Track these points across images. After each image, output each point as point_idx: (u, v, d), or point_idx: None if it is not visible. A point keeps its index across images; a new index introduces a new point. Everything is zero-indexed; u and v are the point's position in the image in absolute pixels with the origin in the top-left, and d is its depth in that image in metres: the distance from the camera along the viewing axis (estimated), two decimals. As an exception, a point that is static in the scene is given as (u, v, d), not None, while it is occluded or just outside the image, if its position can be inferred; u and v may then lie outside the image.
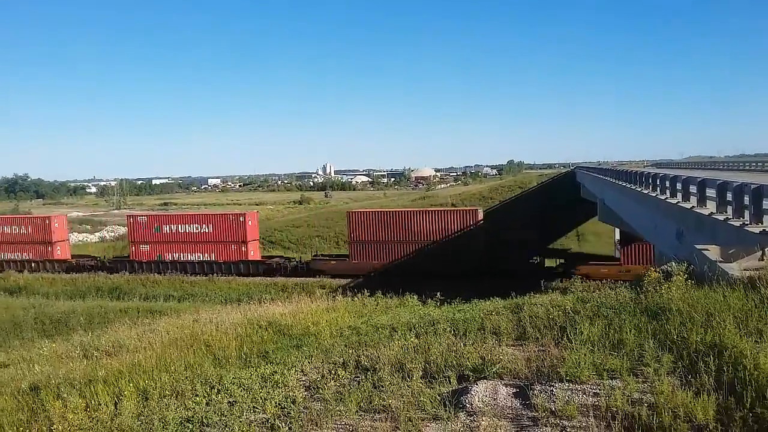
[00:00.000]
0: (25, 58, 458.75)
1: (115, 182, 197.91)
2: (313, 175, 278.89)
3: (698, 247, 12.88)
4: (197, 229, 57.22)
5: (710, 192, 15.70)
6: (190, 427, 7.48)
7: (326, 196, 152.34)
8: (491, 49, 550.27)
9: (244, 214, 57.91)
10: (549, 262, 50.27)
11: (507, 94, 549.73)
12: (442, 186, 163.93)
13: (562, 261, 49.77)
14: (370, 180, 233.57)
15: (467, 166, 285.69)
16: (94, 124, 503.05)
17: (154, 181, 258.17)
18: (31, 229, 61.19)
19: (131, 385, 9.39)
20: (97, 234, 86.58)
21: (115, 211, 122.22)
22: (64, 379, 11.18)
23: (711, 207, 15.38)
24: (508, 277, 38.03)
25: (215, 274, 54.46)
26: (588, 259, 49.36)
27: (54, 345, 18.14)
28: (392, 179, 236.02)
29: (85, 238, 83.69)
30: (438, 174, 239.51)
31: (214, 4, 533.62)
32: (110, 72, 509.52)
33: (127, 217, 63.22)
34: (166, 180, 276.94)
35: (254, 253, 56.77)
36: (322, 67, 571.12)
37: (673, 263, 11.93)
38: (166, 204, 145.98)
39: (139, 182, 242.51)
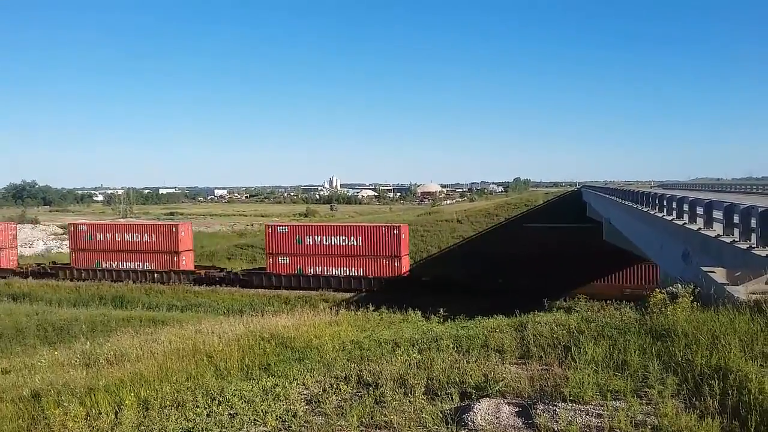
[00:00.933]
0: (32, 64, 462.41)
1: (122, 191, 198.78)
2: (319, 188, 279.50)
3: (704, 269, 12.83)
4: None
5: (717, 214, 15.67)
6: (190, 438, 7.45)
7: (332, 210, 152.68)
8: (499, 65, 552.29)
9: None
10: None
11: (514, 111, 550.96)
12: (448, 202, 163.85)
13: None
14: (375, 194, 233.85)
15: (473, 183, 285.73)
16: (102, 132, 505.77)
17: (161, 191, 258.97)
18: (156, 237, 58.19)
19: (132, 394, 9.35)
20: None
21: (122, 220, 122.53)
22: (65, 387, 11.16)
23: (718, 229, 15.34)
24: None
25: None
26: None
27: (56, 352, 18.14)
28: (398, 194, 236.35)
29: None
30: (444, 190, 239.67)
31: (219, 15, 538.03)
32: (118, 80, 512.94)
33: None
34: (173, 190, 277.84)
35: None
36: (330, 80, 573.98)
37: (679, 285, 11.87)
38: (172, 213, 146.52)
39: (146, 191, 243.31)
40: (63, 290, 55.07)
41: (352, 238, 53.28)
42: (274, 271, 54.34)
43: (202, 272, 56.92)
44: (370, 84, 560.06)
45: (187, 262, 58.29)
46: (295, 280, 53.38)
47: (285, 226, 58.45)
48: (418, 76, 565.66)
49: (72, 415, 8.54)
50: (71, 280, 57.50)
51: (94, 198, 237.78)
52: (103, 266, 58.68)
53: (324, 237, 54.08)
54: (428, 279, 50.03)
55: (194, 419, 8.11)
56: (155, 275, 56.68)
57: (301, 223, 67.06)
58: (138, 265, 57.96)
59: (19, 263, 64.27)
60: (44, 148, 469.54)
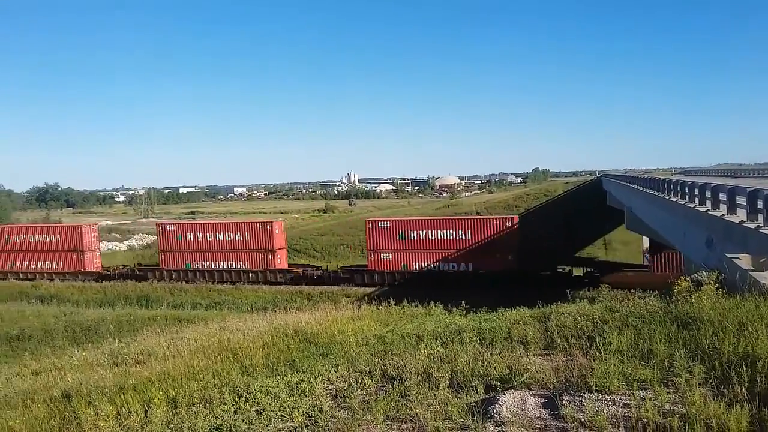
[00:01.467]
0: (52, 68, 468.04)
1: (143, 191, 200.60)
2: (337, 184, 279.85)
3: (729, 255, 12.71)
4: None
5: (740, 200, 15.47)
6: (219, 435, 7.55)
7: (350, 205, 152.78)
8: (518, 56, 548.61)
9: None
10: (576, 271, 49.75)
11: (533, 101, 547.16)
12: (467, 194, 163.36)
13: (590, 270, 49.22)
14: (393, 188, 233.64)
15: (492, 174, 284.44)
16: (122, 133, 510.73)
17: (181, 190, 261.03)
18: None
19: (161, 392, 9.49)
20: (126, 243, 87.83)
21: (143, 220, 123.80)
22: (95, 387, 11.37)
23: (741, 215, 15.15)
24: (537, 287, 37.86)
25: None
26: (616, 267, 48.83)
27: (84, 353, 18.46)
28: (416, 187, 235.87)
29: (114, 247, 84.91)
30: (462, 182, 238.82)
31: (236, 13, 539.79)
32: (138, 82, 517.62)
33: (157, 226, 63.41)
34: (193, 189, 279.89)
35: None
36: (347, 76, 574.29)
37: (703, 272, 11.78)
38: (193, 212, 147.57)
39: (167, 191, 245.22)
40: (89, 291, 55.80)
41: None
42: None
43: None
44: (386, 78, 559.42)
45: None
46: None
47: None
48: (435, 70, 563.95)
49: (103, 414, 8.69)
50: (159, 281, 56.74)
51: (116, 199, 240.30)
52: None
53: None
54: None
55: (222, 416, 8.21)
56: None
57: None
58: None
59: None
60: (66, 151, 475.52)
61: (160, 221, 70.88)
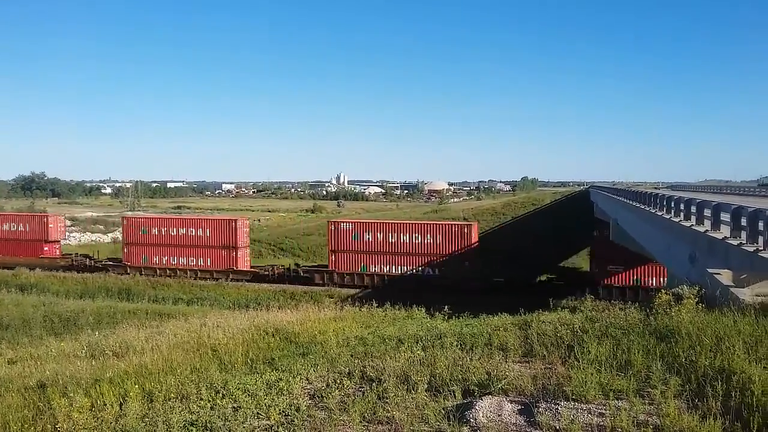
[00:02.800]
0: (40, 57, 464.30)
1: (131, 184, 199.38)
2: (326, 185, 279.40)
3: (710, 270, 12.82)
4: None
5: (724, 216, 15.63)
6: (194, 430, 7.48)
7: (339, 206, 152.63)
8: (508, 64, 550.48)
9: (236, 219, 58.43)
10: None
11: (523, 110, 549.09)
12: (455, 200, 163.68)
13: (554, 277, 50.23)
14: (382, 191, 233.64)
15: (481, 181, 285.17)
16: (111, 125, 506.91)
17: (168, 185, 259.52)
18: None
19: (137, 386, 9.42)
20: (110, 234, 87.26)
21: (129, 213, 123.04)
22: (70, 378, 11.25)
23: (725, 231, 15.30)
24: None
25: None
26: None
27: (62, 344, 18.27)
28: (405, 191, 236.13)
29: (98, 238, 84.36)
30: (451, 188, 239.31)
31: (227, 9, 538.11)
32: (127, 74, 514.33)
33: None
34: (181, 183, 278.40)
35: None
36: (338, 77, 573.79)
37: (685, 286, 11.87)
38: (179, 207, 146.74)
39: (154, 185, 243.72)
40: (70, 282, 55.35)
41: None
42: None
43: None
44: (378, 81, 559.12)
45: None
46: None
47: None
48: (426, 74, 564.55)
49: (77, 406, 8.60)
50: (122, 275, 56.56)
51: (103, 191, 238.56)
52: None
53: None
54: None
55: (198, 412, 8.16)
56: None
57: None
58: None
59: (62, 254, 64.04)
60: (53, 140, 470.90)
61: (128, 215, 70.78)
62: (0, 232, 63.50)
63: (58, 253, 63.17)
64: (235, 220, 57.90)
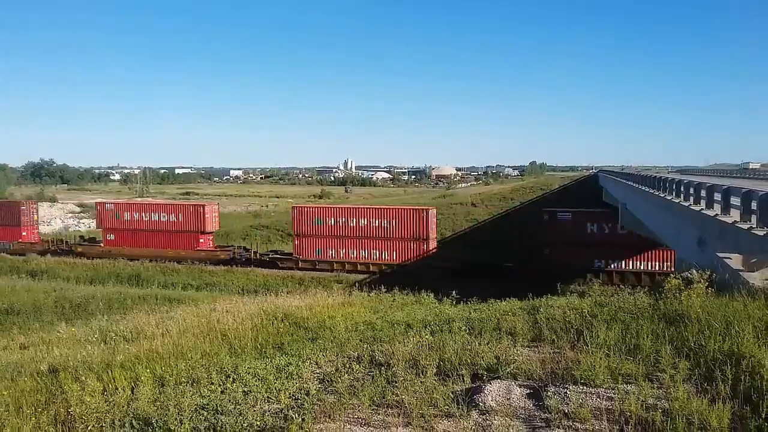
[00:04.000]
0: (51, 47, 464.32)
1: (139, 170, 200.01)
2: (334, 170, 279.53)
3: (720, 255, 12.77)
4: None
5: (734, 200, 15.52)
6: (205, 414, 7.54)
7: (346, 191, 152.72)
8: (517, 50, 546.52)
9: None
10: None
11: (532, 94, 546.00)
12: (463, 185, 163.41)
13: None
14: (390, 177, 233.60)
15: (489, 166, 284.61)
16: (120, 112, 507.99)
17: (176, 171, 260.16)
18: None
19: (148, 370, 9.48)
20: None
21: (138, 199, 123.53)
22: (82, 363, 11.33)
23: (735, 215, 15.20)
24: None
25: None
26: None
27: (73, 329, 18.42)
28: (413, 177, 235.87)
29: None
30: (459, 173, 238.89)
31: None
32: (136, 62, 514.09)
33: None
34: (189, 170, 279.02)
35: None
36: (347, 64, 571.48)
37: (694, 270, 11.83)
38: (188, 193, 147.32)
39: (162, 171, 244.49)
40: (80, 268, 55.71)
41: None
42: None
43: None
44: (386, 67, 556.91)
45: (209, 243, 58.75)
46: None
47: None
48: (434, 60, 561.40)
49: (89, 390, 8.67)
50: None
51: (111, 177, 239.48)
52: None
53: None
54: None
55: (209, 396, 8.21)
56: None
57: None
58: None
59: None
60: (62, 127, 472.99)
61: (102, 200, 70.97)
62: (151, 222, 59.44)
63: (212, 245, 59.34)
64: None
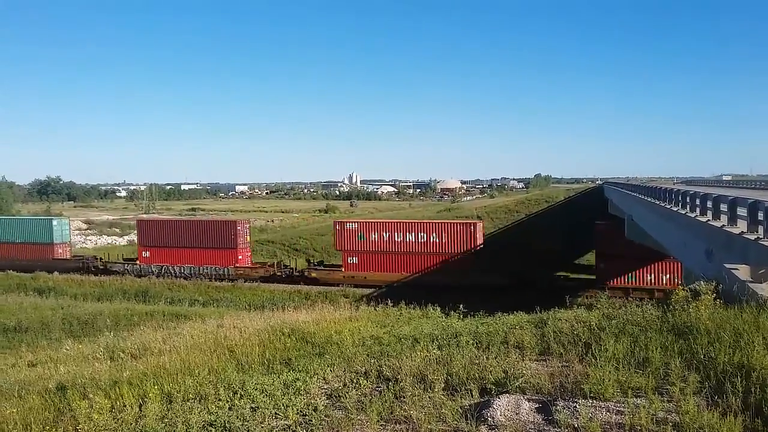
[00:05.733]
0: (56, 63, 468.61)
1: (145, 187, 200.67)
2: (339, 184, 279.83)
3: (728, 266, 12.70)
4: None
5: (741, 211, 15.46)
6: (213, 431, 7.53)
7: (352, 206, 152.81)
8: (521, 61, 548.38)
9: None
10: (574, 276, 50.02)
11: (536, 107, 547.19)
12: (468, 198, 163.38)
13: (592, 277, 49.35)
14: (395, 190, 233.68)
15: (494, 179, 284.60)
16: (125, 129, 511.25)
17: (182, 187, 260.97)
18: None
19: (156, 387, 9.47)
20: (126, 237, 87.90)
21: (144, 215, 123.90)
22: (90, 380, 11.35)
23: (742, 226, 15.13)
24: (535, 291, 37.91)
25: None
26: None
27: (80, 346, 18.44)
28: (418, 190, 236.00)
29: (114, 241, 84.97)
30: (464, 186, 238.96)
31: (238, 11, 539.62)
32: (140, 78, 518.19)
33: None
34: (195, 186, 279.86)
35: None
36: (350, 77, 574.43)
37: (702, 282, 11.77)
38: (193, 209, 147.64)
39: (168, 187, 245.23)
40: (87, 284, 55.83)
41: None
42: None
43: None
44: (390, 80, 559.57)
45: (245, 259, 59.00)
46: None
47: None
48: (438, 72, 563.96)
49: (97, 407, 8.68)
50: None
51: (118, 194, 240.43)
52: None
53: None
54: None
55: (216, 412, 8.20)
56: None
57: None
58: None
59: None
60: (69, 145, 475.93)
61: (145, 217, 71.63)
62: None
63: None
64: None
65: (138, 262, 60.03)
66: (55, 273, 59.39)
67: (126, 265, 60.45)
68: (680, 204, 23.57)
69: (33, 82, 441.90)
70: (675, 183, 64.92)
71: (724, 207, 16.79)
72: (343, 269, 53.68)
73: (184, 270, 57.57)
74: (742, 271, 12.11)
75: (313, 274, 54.57)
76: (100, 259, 62.63)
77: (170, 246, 58.17)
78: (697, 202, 20.27)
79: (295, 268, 56.74)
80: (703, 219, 18.69)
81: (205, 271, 56.99)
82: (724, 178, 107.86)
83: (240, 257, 57.59)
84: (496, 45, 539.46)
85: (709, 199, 18.51)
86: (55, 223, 64.79)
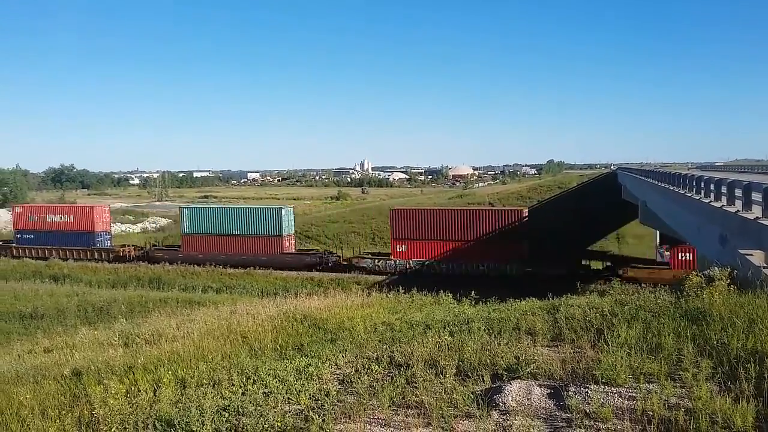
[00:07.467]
0: (71, 52, 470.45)
1: (158, 174, 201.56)
2: (350, 171, 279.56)
3: (742, 252, 12.60)
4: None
5: (756, 196, 15.32)
6: (226, 415, 7.59)
7: (363, 192, 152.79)
8: (534, 48, 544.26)
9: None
10: (595, 265, 49.69)
11: (549, 92, 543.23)
12: (480, 184, 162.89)
13: (609, 264, 49.10)
14: (407, 177, 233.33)
15: (506, 165, 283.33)
16: (139, 117, 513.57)
17: (195, 174, 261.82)
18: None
19: (170, 373, 9.55)
20: (140, 225, 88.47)
21: (157, 203, 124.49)
22: (105, 366, 11.47)
23: (756, 211, 15.00)
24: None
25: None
26: (630, 262, 48.75)
27: (96, 332, 18.63)
28: (429, 177, 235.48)
29: (128, 229, 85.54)
30: (476, 172, 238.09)
31: (258, 1, 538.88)
32: (154, 67, 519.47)
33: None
34: (207, 173, 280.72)
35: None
36: (362, 64, 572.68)
37: (716, 268, 11.69)
38: (206, 196, 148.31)
39: (181, 175, 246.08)
40: (102, 272, 56.34)
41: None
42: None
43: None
44: (401, 67, 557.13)
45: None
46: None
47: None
48: (450, 59, 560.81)
49: (112, 392, 8.77)
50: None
51: (131, 181, 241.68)
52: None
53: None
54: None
55: (230, 397, 8.27)
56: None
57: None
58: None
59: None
60: (83, 133, 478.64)
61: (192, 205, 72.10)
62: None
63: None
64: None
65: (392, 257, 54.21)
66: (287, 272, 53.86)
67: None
68: (694, 189, 23.39)
69: (47, 71, 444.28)
70: (689, 168, 64.40)
71: (738, 192, 16.64)
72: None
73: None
74: (757, 257, 12.01)
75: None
76: (332, 253, 56.76)
77: (420, 239, 52.73)
78: (712, 187, 20.11)
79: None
80: (717, 204, 18.54)
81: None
82: (740, 163, 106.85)
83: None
84: (511, 31, 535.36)
85: (724, 184, 18.35)
86: (284, 212, 58.25)
